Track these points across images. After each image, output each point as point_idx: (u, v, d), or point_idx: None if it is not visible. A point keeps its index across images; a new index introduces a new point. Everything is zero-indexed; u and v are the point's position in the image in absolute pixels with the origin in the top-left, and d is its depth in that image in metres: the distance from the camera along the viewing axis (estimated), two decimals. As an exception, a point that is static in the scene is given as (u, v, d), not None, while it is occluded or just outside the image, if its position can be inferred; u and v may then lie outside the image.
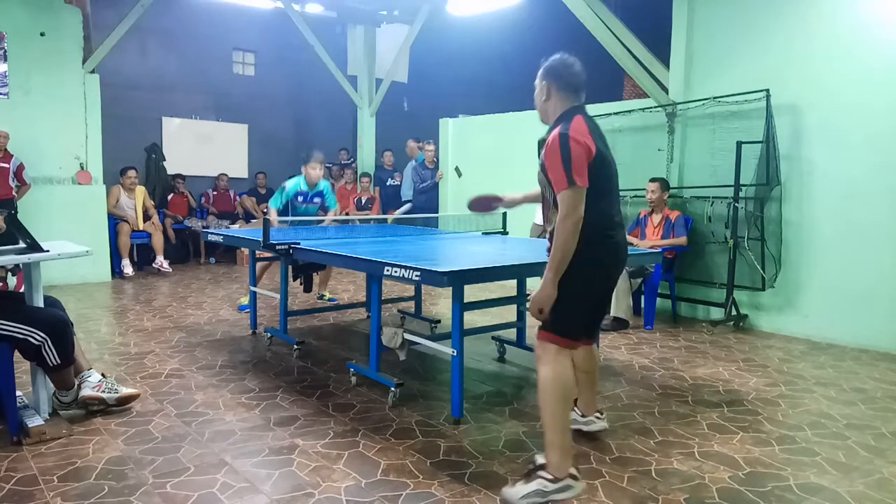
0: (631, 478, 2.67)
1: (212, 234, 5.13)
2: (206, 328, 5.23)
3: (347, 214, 8.87)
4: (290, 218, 5.60)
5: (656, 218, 5.77)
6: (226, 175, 9.94)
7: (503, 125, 7.91)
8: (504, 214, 5.13)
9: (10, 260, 3.00)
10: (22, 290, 3.22)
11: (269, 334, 4.77)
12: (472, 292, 3.20)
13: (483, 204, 3.51)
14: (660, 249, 5.20)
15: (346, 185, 9.66)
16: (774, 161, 5.22)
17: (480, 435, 3.11)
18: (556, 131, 2.42)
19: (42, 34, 7.10)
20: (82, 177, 7.44)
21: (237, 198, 9.98)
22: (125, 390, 3.34)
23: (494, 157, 7.89)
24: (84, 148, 7.46)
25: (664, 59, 6.04)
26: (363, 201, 9.20)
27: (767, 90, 5.18)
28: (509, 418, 3.33)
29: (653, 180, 5.72)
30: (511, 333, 4.45)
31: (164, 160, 9.54)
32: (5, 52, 6.94)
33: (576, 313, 2.50)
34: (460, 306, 3.18)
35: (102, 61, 7.52)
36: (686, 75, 5.87)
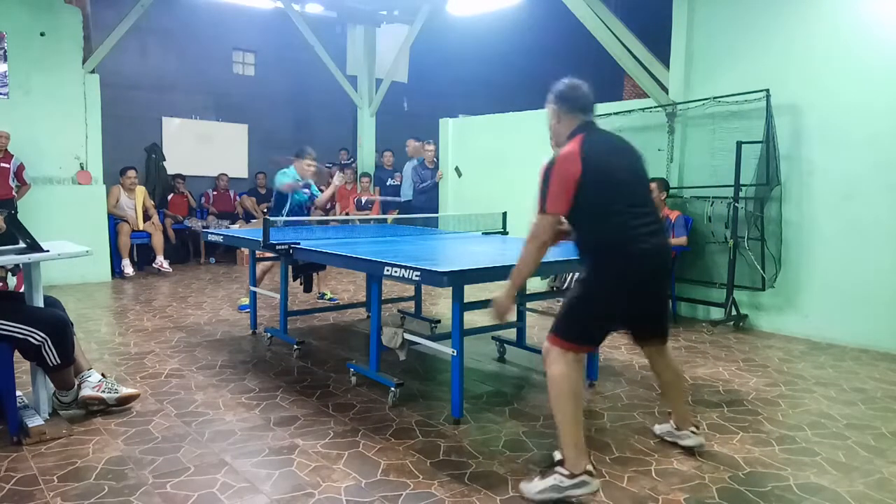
0: (631, 478, 2.67)
1: (212, 234, 5.13)
2: (206, 328, 5.23)
3: (347, 214, 8.87)
4: (287, 217, 5.58)
5: (656, 218, 5.76)
6: (226, 175, 9.94)
7: (503, 125, 7.90)
8: (504, 214, 5.14)
9: (10, 260, 3.00)
10: (22, 290, 3.23)
11: (269, 334, 4.77)
12: (472, 292, 3.19)
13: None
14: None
15: (346, 185, 9.65)
16: (774, 161, 5.22)
17: (480, 435, 3.11)
18: (549, 158, 2.50)
19: (42, 34, 7.10)
20: (82, 177, 7.44)
21: (237, 198, 9.97)
22: (125, 390, 3.34)
23: (494, 157, 7.89)
24: (84, 148, 7.46)
25: (664, 59, 6.04)
26: (363, 201, 9.19)
27: (767, 90, 5.17)
28: (509, 418, 3.33)
29: (652, 180, 5.70)
30: (511, 333, 4.45)
31: (164, 160, 9.53)
32: (5, 52, 6.94)
33: (589, 322, 2.53)
34: (460, 306, 3.18)
35: (102, 61, 7.52)
36: (686, 75, 5.87)
